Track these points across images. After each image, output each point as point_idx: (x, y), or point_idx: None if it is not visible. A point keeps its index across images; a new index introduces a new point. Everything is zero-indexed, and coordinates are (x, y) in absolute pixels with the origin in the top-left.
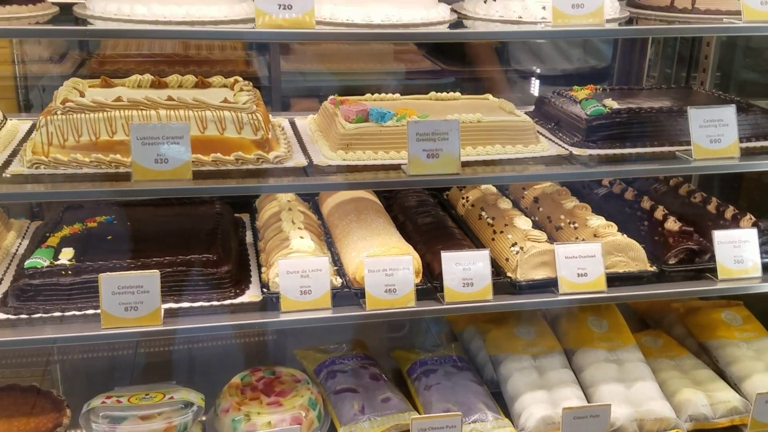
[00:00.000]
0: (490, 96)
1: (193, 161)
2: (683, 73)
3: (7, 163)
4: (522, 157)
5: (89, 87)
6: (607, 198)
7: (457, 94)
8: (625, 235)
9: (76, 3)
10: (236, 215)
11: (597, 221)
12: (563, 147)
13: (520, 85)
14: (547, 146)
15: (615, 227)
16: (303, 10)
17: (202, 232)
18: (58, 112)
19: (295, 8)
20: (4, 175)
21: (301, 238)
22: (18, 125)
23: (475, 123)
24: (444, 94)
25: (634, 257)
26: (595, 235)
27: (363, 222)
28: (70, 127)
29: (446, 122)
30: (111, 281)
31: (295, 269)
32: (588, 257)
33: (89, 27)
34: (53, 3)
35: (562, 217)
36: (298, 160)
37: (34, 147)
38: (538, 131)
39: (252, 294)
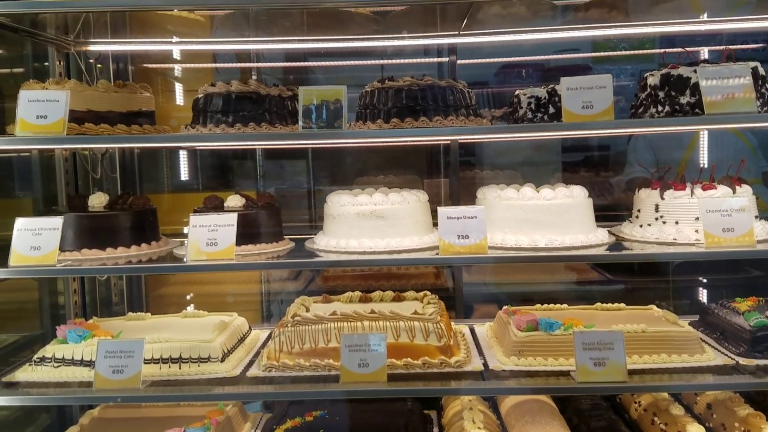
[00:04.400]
0: (653, 307)
1: (387, 365)
2: None
3: (251, 363)
4: (688, 366)
5: (313, 303)
6: None
7: (622, 304)
8: None
9: (308, 239)
10: (425, 411)
11: None
12: (729, 357)
13: (685, 293)
14: (713, 356)
15: None
16: (478, 239)
17: (395, 428)
18: (289, 325)
19: (471, 237)
20: (245, 376)
21: None
22: (259, 334)
23: (639, 333)
24: (609, 304)
25: None
26: None
27: (538, 424)
28: (297, 337)
29: (611, 333)
30: None
31: None
32: None
33: (317, 259)
34: (291, 239)
35: (737, 425)
36: (476, 365)
37: (269, 353)
38: (703, 340)
39: None
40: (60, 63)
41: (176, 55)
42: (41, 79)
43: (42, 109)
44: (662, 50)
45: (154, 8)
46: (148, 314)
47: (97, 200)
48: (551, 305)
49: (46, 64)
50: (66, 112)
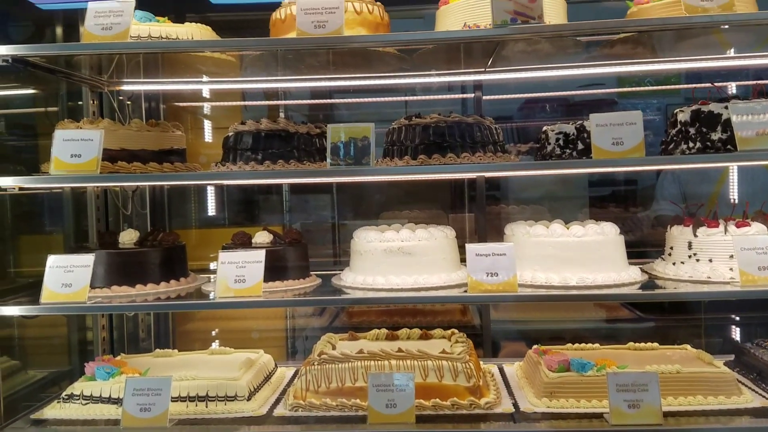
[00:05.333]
0: (688, 346)
1: (416, 406)
2: None
3: (277, 402)
4: (725, 409)
5: (339, 340)
6: None
7: (655, 344)
8: None
9: (334, 274)
10: None
11: None
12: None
13: (717, 331)
14: (750, 397)
15: None
16: (507, 276)
17: None
18: (315, 363)
19: (500, 275)
20: (272, 415)
21: None
22: (285, 372)
23: (674, 374)
24: (642, 344)
25: None
26: None
27: None
28: (324, 376)
29: (645, 374)
30: None
31: None
32: None
33: (344, 297)
34: (317, 275)
35: None
36: (506, 407)
37: (295, 392)
38: (739, 381)
39: None
40: (93, 102)
41: (206, 94)
42: (75, 117)
43: (76, 148)
44: (690, 86)
45: (186, 50)
46: (175, 351)
47: (128, 237)
48: (583, 345)
49: (80, 103)
50: (100, 151)
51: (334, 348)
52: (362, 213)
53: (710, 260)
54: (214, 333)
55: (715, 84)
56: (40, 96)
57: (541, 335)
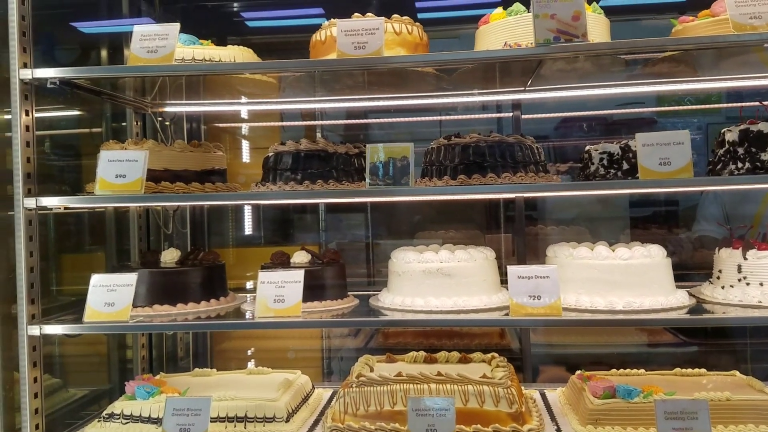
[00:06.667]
0: (737, 372)
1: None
2: None
3: (315, 424)
4: None
5: (377, 362)
6: None
7: (703, 370)
8: None
9: (370, 295)
10: None
11: None
12: None
13: (764, 356)
14: None
15: None
16: (551, 300)
17: None
18: (354, 386)
19: (543, 298)
20: None
21: None
22: (322, 393)
23: (723, 401)
24: (689, 370)
25: None
26: None
27: None
28: (362, 399)
29: (695, 402)
30: None
31: None
32: None
33: (383, 318)
34: (354, 296)
35: None
36: None
37: (333, 414)
38: None
39: None
40: (137, 123)
41: (244, 115)
42: (119, 138)
43: (121, 169)
44: (734, 104)
45: (230, 72)
46: (214, 370)
47: (170, 256)
48: (628, 370)
49: (124, 124)
50: (144, 171)
51: (371, 370)
52: (397, 232)
53: (761, 284)
54: (249, 352)
55: (763, 102)
56: (84, 117)
57: (581, 359)
